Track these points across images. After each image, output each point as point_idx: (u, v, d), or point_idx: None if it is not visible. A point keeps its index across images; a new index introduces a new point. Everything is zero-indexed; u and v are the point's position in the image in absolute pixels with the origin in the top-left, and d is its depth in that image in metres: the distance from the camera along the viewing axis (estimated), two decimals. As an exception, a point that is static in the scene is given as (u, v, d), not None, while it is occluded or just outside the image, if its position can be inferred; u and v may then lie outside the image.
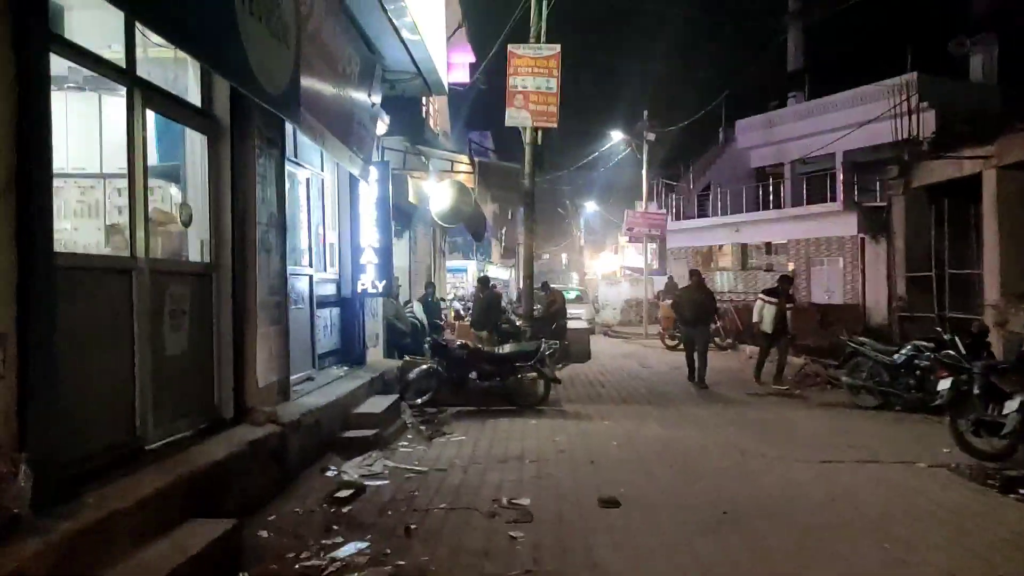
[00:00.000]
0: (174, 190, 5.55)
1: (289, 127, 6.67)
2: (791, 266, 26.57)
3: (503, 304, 17.33)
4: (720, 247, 29.87)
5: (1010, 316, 13.41)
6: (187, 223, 4.96)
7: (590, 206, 48.86)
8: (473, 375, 9.16)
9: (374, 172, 8.67)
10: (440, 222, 10.60)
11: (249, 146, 5.42)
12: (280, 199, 6.16)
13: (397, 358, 10.35)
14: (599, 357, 15.58)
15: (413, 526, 4.62)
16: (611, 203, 43.01)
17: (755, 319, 11.80)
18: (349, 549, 4.24)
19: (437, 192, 10.60)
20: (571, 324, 15.82)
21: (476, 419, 8.48)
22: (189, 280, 4.89)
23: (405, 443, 7.21)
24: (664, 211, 26.48)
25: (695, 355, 11.37)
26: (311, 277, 7.58)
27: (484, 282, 11.85)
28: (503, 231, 31.12)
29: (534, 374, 9.24)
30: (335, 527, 4.64)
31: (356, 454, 6.44)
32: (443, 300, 14.99)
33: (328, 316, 8.42)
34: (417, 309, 12.30)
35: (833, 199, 24.61)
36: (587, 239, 55.49)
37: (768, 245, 27.88)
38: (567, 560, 4.12)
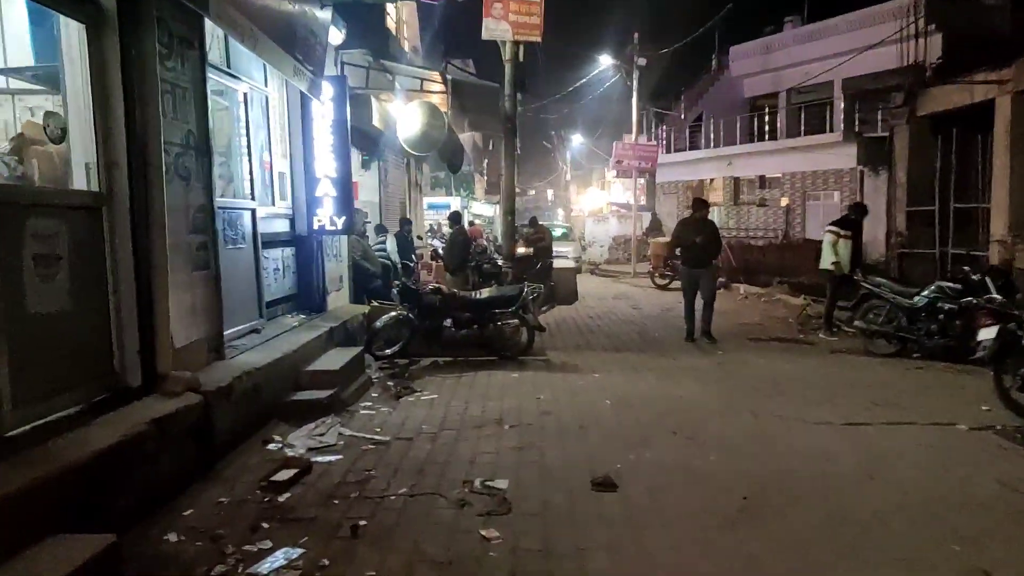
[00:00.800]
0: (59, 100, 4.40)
1: (217, 29, 5.47)
2: (784, 201, 25.60)
3: (482, 242, 16.29)
4: (711, 181, 28.72)
5: (1017, 252, 12.62)
6: (57, 139, 3.83)
7: (576, 139, 47.23)
8: (448, 323, 8.19)
9: (328, 89, 7.45)
10: (409, 150, 9.38)
11: (148, 43, 4.22)
12: (201, 115, 5.00)
13: (367, 303, 9.35)
14: (586, 298, 14.65)
15: (362, 522, 3.70)
16: (599, 137, 41.45)
17: (830, 260, 9.60)
18: (276, 560, 3.32)
19: (404, 115, 9.33)
20: (557, 263, 14.84)
21: (451, 372, 7.55)
22: (66, 215, 3.79)
23: (368, 404, 6.27)
24: (655, 143, 25.16)
25: (697, 304, 9.39)
26: (254, 212, 6.45)
27: (455, 218, 10.53)
28: (485, 163, 29.65)
29: (516, 321, 8.27)
30: (265, 524, 3.71)
31: (307, 421, 5.49)
32: (420, 238, 13.87)
33: (280, 257, 7.34)
34: (391, 246, 11.19)
35: (831, 130, 23.48)
36: (573, 174, 54.00)
37: (761, 179, 26.78)
38: (553, 573, 3.22)
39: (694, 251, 9.37)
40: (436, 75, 9.73)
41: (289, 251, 7.57)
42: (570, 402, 6.27)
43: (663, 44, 24.19)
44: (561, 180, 55.42)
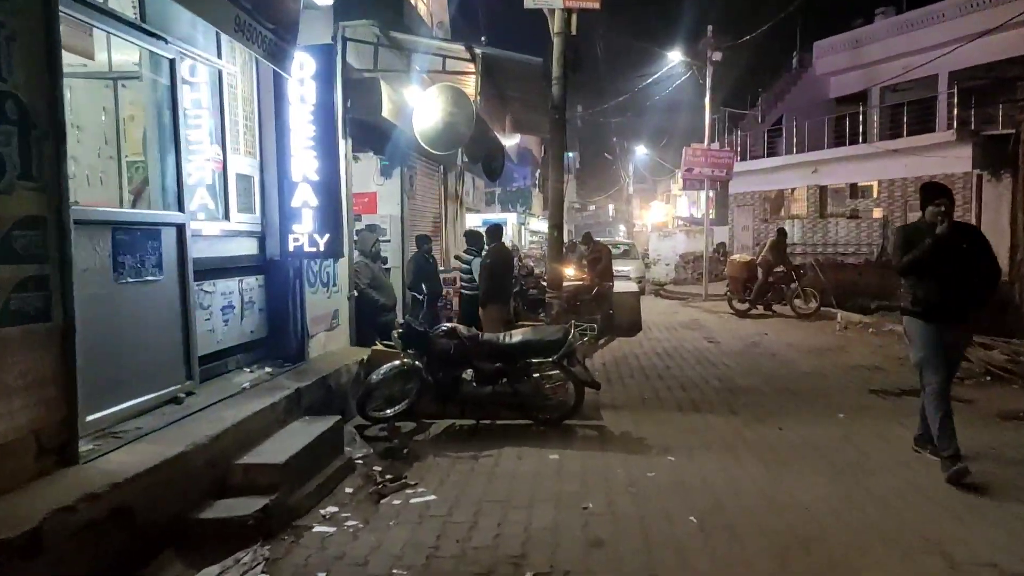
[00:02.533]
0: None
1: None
2: (878, 212, 22.62)
3: (529, 263, 14.19)
4: (792, 191, 25.88)
5: None
6: None
7: (640, 150, 44.72)
8: (469, 374, 6.13)
9: (308, 61, 5.55)
10: (428, 147, 7.39)
11: None
12: (42, 74, 3.13)
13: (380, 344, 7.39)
14: (651, 328, 12.38)
15: None
16: (663, 146, 38.88)
17: None
18: None
19: (420, 103, 7.32)
20: (617, 286, 12.60)
21: (467, 448, 5.47)
22: None
23: (332, 510, 4.23)
24: (729, 149, 22.63)
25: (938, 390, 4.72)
26: (181, 228, 4.56)
27: (494, 233, 8.27)
28: (538, 174, 27.51)
29: (559, 373, 6.14)
30: None
31: (219, 555, 3.50)
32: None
33: (236, 291, 5.44)
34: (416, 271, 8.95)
35: (932, 130, 20.54)
36: (637, 188, 51.34)
37: (852, 187, 23.83)
38: None
39: (945, 289, 4.72)
40: (460, 48, 7.64)
41: (253, 281, 5.67)
42: (634, 517, 4.08)
43: (739, 39, 21.72)
44: (623, 193, 52.81)
